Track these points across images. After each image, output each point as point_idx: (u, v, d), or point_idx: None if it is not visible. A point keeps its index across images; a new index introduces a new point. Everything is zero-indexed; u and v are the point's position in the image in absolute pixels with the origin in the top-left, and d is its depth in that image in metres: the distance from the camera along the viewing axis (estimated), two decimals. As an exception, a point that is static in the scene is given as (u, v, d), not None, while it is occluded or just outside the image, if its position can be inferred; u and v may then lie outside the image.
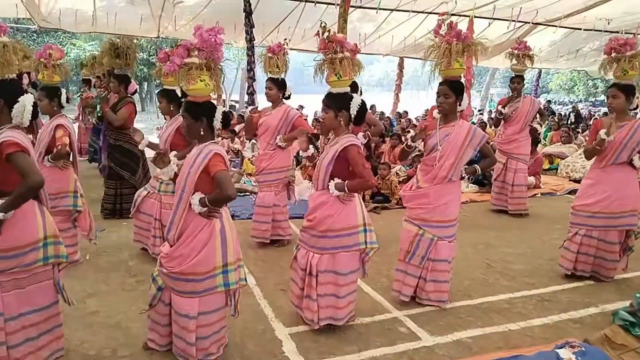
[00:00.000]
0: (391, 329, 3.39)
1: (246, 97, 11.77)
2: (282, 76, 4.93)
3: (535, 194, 8.05)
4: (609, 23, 10.04)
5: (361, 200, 3.31)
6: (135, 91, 6.22)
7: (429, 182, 3.65)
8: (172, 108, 4.60)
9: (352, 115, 3.19)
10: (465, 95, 3.63)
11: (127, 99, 5.77)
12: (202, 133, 2.76)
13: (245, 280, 2.96)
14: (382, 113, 15.21)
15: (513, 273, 4.47)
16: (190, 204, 2.71)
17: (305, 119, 5.86)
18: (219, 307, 2.86)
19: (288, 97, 5.03)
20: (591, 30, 10.72)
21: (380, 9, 9.95)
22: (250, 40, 9.66)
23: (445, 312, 3.66)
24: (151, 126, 18.79)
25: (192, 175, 2.71)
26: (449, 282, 3.75)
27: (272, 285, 4.09)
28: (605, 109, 24.05)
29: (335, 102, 3.20)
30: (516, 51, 6.42)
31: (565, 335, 3.33)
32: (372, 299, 3.90)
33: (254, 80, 11.58)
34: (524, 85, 6.54)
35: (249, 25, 9.60)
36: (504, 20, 10.34)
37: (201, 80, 2.69)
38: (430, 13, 10.69)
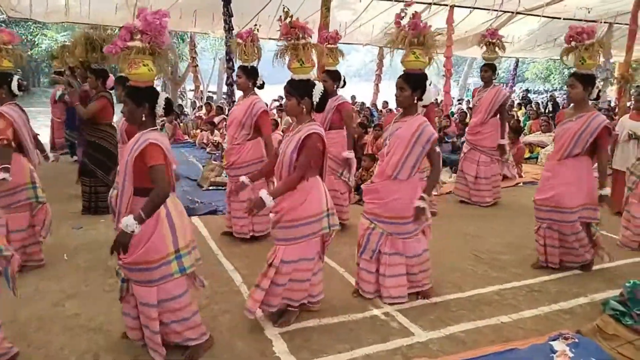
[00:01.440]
0: (383, 325, 3.33)
1: (225, 88, 11.59)
2: (254, 64, 4.77)
3: (517, 183, 8.11)
4: (589, 12, 10.11)
5: (324, 187, 3.26)
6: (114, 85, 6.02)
7: (379, 177, 3.57)
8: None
9: (315, 103, 3.13)
10: (429, 88, 3.46)
11: (101, 93, 5.56)
12: (143, 119, 2.71)
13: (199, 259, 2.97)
14: (363, 104, 15.14)
15: (501, 264, 4.46)
16: (135, 192, 2.69)
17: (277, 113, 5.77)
18: (181, 293, 2.80)
19: (261, 86, 4.88)
20: (572, 19, 10.78)
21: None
22: (229, 29, 9.47)
23: (436, 306, 3.62)
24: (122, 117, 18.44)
25: (129, 163, 2.66)
26: (423, 273, 3.66)
27: (259, 282, 3.99)
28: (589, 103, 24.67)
29: (298, 89, 3.13)
30: (487, 38, 6.29)
31: (557, 326, 3.32)
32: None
33: (233, 70, 11.35)
34: (494, 73, 6.34)
35: (228, 14, 9.40)
36: (484, 9, 10.32)
37: (144, 65, 2.64)
38: (412, 2, 10.62)
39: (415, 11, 3.48)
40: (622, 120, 6.20)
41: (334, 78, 5.13)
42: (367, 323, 3.36)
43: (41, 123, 13.63)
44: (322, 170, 3.31)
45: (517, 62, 20.80)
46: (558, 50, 15.19)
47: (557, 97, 22.72)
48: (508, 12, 10.68)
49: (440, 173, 3.46)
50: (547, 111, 16.53)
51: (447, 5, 10.49)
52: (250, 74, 4.72)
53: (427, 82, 5.56)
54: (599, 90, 4.05)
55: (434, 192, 5.92)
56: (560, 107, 18.06)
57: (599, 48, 3.87)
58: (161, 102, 2.73)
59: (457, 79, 28.18)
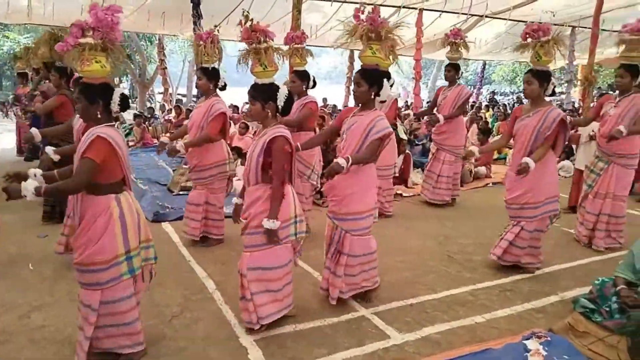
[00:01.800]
0: (359, 329, 3.32)
1: (195, 91, 11.44)
2: (215, 65, 4.68)
3: (487, 184, 8.24)
4: (554, 15, 10.37)
5: (293, 192, 3.21)
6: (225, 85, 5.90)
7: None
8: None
9: (280, 107, 3.11)
10: (386, 85, 3.40)
11: (60, 91, 5.37)
12: (99, 116, 2.68)
13: (155, 258, 2.98)
14: (335, 106, 15.17)
15: (474, 264, 4.51)
16: (87, 189, 2.65)
17: (233, 117, 5.66)
18: (125, 296, 2.76)
19: (223, 88, 4.80)
20: (537, 23, 11.03)
21: (333, 0, 9.84)
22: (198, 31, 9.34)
23: (412, 308, 3.63)
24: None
25: (77, 158, 2.63)
26: (366, 273, 3.59)
27: (233, 289, 3.90)
28: (545, 99, 25.08)
29: (262, 94, 3.10)
30: (450, 38, 6.27)
31: (530, 325, 3.36)
32: (337, 297, 3.80)
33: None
34: (457, 73, 6.34)
35: (197, 16, 9.30)
36: (453, 12, 10.47)
37: (96, 62, 2.61)
38: (382, 5, 10.69)
39: (375, 6, 3.45)
40: None
41: (303, 78, 5.08)
42: (342, 327, 3.34)
43: (3, 128, 13.20)
44: (291, 175, 3.26)
45: (484, 64, 21.19)
46: (524, 53, 15.65)
47: (523, 98, 23.20)
48: (476, 15, 10.87)
49: (370, 161, 3.41)
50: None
51: (416, 8, 10.62)
52: (211, 76, 4.64)
53: (387, 79, 5.64)
54: (554, 86, 4.12)
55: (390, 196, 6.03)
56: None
57: (554, 45, 3.92)
58: (116, 98, 2.69)
59: (426, 82, 28.54)
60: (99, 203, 2.65)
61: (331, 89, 22.68)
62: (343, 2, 10.41)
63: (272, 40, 3.23)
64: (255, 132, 10.08)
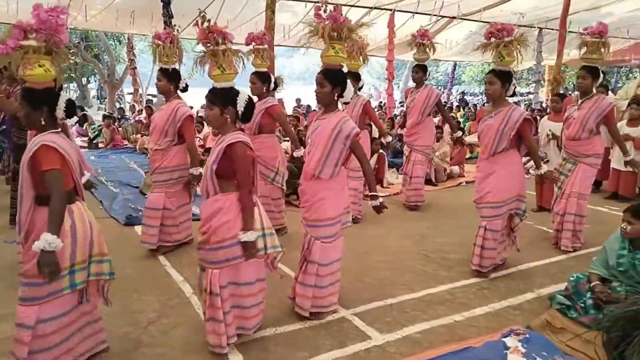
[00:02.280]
0: (340, 330, 3.30)
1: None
2: (175, 66, 4.51)
3: (460, 183, 8.35)
4: (523, 17, 10.58)
5: (257, 202, 3.05)
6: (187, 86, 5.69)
7: (304, 178, 3.43)
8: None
9: (240, 112, 2.96)
10: (350, 86, 3.32)
11: None
12: (42, 123, 2.57)
13: (111, 274, 2.84)
14: (309, 106, 15.15)
15: (450, 263, 4.54)
16: (36, 200, 2.57)
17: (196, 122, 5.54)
18: (66, 310, 2.67)
19: (185, 89, 4.63)
20: (507, 24, 11.24)
21: (306, 0, 9.81)
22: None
23: (391, 308, 3.62)
24: (61, 124, 17.56)
25: (24, 168, 2.52)
26: (332, 286, 3.43)
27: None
28: (513, 99, 25.57)
29: (220, 98, 2.95)
30: (418, 39, 6.15)
31: (508, 322, 3.40)
32: (316, 299, 3.77)
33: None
34: (425, 74, 6.21)
35: (167, 15, 9.13)
36: (424, 14, 10.57)
37: (40, 66, 2.50)
38: (353, 6, 10.72)
39: (336, 4, 3.36)
40: (542, 122, 6.48)
41: (263, 80, 4.97)
42: (323, 329, 3.31)
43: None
44: (255, 183, 3.09)
45: (454, 65, 21.52)
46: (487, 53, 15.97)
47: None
48: (447, 17, 11.01)
49: (371, 167, 3.36)
50: (484, 112, 17.14)
51: (388, 9, 10.68)
52: (172, 77, 4.47)
53: (357, 80, 5.59)
54: (515, 87, 4.12)
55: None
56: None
57: (517, 45, 3.88)
58: (61, 104, 2.59)
59: (398, 82, 28.78)
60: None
61: (305, 89, 22.54)
62: (315, 2, 10.40)
63: (231, 42, 3.08)
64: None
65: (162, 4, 9.10)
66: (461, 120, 14.05)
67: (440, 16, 10.91)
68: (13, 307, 3.51)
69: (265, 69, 5.06)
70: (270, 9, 7.38)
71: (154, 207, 4.54)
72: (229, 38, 3.04)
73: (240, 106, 2.95)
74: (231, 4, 10.33)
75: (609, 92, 7.85)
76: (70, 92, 36.29)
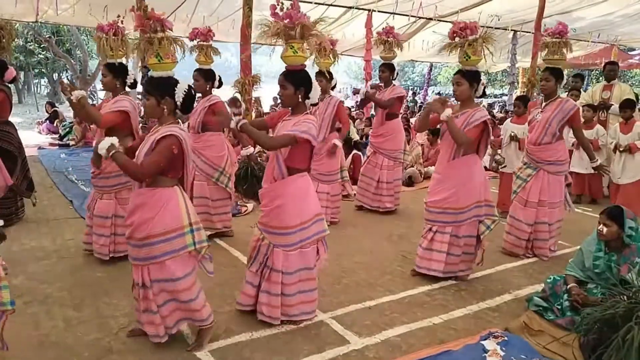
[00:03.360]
0: (318, 334, 3.23)
1: (140, 87, 11.01)
2: (122, 61, 4.24)
3: (437, 183, 8.38)
4: (499, 19, 10.70)
5: (185, 197, 2.92)
6: (15, 79, 5.45)
7: (266, 181, 3.31)
8: None
9: (178, 103, 2.83)
10: (316, 86, 3.24)
11: None
12: None
13: (13, 303, 2.58)
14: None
15: (429, 264, 4.52)
16: None
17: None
18: None
19: (133, 86, 4.43)
20: (482, 26, 11.35)
21: (282, -2, 9.74)
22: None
23: (371, 311, 3.58)
24: (30, 120, 17.07)
25: None
26: (304, 295, 3.30)
27: (185, 296, 3.75)
28: (487, 100, 25.69)
29: (157, 88, 2.83)
30: (384, 37, 6.01)
31: (486, 324, 3.39)
32: (294, 302, 3.70)
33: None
34: (392, 73, 6.01)
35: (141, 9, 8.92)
36: (402, 15, 10.59)
37: None
38: (332, 5, 10.67)
39: (294, 1, 3.20)
40: (505, 124, 6.48)
41: (207, 77, 4.80)
42: (301, 333, 3.24)
43: None
44: (182, 180, 2.97)
45: (431, 66, 21.67)
46: (452, 53, 16.14)
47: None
48: (424, 18, 11.05)
49: (265, 138, 3.15)
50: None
51: (367, 9, 10.67)
52: (118, 72, 4.19)
53: (329, 80, 5.49)
54: (485, 87, 4.02)
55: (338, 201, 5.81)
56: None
57: (482, 44, 3.78)
58: None
59: (377, 81, 28.93)
60: None
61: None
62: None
63: (170, 30, 2.95)
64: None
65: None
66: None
67: (417, 17, 10.95)
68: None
69: (209, 67, 4.88)
70: (248, 5, 7.27)
71: (103, 215, 4.21)
72: (167, 26, 2.91)
73: (179, 97, 2.82)
74: (208, 1, 10.17)
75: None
76: (41, 87, 35.44)
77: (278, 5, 3.10)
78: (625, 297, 2.80)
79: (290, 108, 3.28)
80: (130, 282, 3.90)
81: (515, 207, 4.73)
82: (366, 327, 3.33)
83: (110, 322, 3.32)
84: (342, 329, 3.29)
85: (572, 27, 11.82)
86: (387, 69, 6.02)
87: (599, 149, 6.68)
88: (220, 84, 4.95)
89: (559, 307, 3.36)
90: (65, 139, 11.65)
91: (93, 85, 19.57)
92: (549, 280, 3.56)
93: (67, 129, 11.85)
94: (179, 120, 2.96)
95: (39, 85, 35.51)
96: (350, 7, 10.84)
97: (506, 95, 19.13)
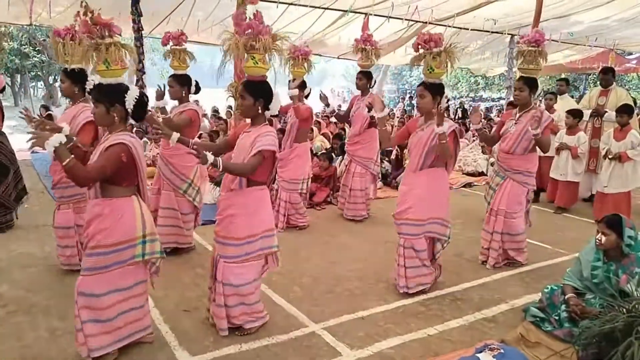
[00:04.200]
0: (309, 346, 3.14)
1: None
2: (81, 66, 3.96)
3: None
4: (495, 23, 10.64)
5: (142, 207, 2.85)
6: (4, 88, 5.36)
7: (223, 189, 3.27)
8: None
9: (129, 110, 2.76)
10: (277, 98, 3.16)
11: None
12: None
13: None
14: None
15: (424, 272, 4.43)
16: None
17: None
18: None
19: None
20: (479, 30, 11.30)
21: (278, 2, 9.65)
22: (138, 30, 8.90)
23: (364, 321, 3.49)
24: (25, 124, 16.94)
25: None
26: (246, 307, 3.19)
27: (174, 306, 3.66)
28: (485, 104, 25.67)
29: (106, 95, 2.75)
30: (361, 44, 5.81)
31: (482, 336, 3.31)
32: (285, 311, 3.61)
33: (144, 73, 10.68)
34: (369, 81, 5.91)
35: (136, 13, 8.84)
36: (398, 18, 10.52)
37: None
38: (327, 9, 10.60)
39: (257, 10, 3.13)
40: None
41: (182, 83, 4.60)
42: (291, 345, 3.16)
43: None
44: (139, 189, 2.90)
45: (428, 70, 21.57)
46: (466, 60, 16.02)
47: (465, 103, 23.95)
48: (420, 22, 10.97)
49: (241, 168, 3.03)
50: (456, 117, 17.31)
51: (363, 13, 10.60)
52: (76, 78, 4.04)
53: (301, 88, 5.45)
54: (448, 100, 3.91)
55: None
56: (468, 114, 19.05)
57: (446, 57, 3.65)
58: None
59: (372, 85, 28.93)
60: None
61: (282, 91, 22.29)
62: (290, 4, 10.26)
63: (119, 35, 2.84)
64: (200, 134, 9.71)
65: (130, 1, 8.81)
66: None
67: (413, 21, 10.88)
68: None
69: (184, 71, 4.68)
70: (243, 9, 7.19)
71: (64, 226, 4.06)
72: (114, 31, 2.80)
73: (130, 104, 2.75)
74: (203, 3, 10.07)
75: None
76: (37, 90, 35.30)
77: (242, 16, 3.04)
78: (624, 309, 2.71)
79: (250, 119, 3.21)
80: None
81: (488, 218, 4.59)
82: (359, 338, 3.24)
83: (96, 333, 3.22)
84: (333, 341, 3.20)
85: (570, 31, 11.90)
86: (365, 76, 5.93)
87: (577, 157, 6.57)
88: (198, 89, 4.74)
89: (557, 318, 3.28)
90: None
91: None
92: (546, 290, 3.48)
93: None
94: (133, 127, 2.88)
95: (35, 89, 35.38)
96: (346, 11, 10.77)
97: (503, 99, 19.09)
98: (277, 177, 5.67)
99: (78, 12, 2.77)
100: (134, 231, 2.79)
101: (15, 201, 5.30)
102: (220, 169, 2.89)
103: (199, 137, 9.19)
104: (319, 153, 7.84)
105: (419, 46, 3.73)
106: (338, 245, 5.15)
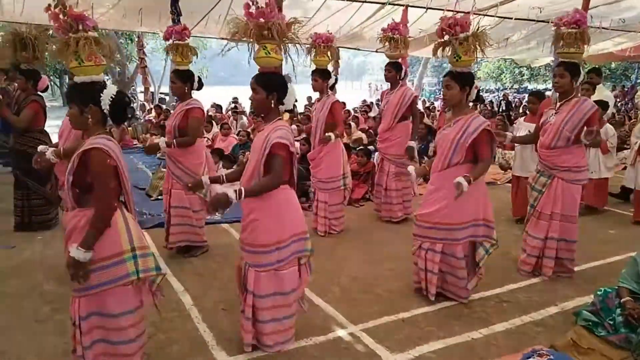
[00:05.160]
0: (348, 349, 3.07)
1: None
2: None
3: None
4: (540, 11, 10.22)
5: (127, 218, 2.57)
6: (47, 88, 5.51)
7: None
8: None
9: (106, 110, 2.50)
10: (292, 90, 2.96)
11: (31, 97, 5.06)
12: None
13: None
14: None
15: (467, 272, 4.28)
16: None
17: (216, 117, 5.22)
18: None
19: (45, 90, 4.14)
20: (523, 19, 10.88)
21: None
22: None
23: (404, 323, 3.39)
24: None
25: None
26: (278, 323, 2.99)
27: (212, 304, 3.65)
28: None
29: (79, 95, 2.51)
30: (389, 33, 5.47)
31: (530, 340, 3.15)
32: (323, 312, 3.55)
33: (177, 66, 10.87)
34: (399, 73, 5.56)
35: (176, 13, 8.95)
36: (438, 9, 10.25)
37: None
38: (365, 2, 10.46)
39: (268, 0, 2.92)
40: (518, 123, 6.03)
41: (184, 79, 4.42)
42: (329, 347, 3.09)
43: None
44: (124, 197, 2.64)
45: (470, 61, 21.05)
46: (510, 50, 15.54)
47: (509, 95, 23.27)
48: (461, 12, 10.66)
49: (270, 184, 2.82)
50: (500, 110, 16.79)
51: (401, 5, 10.39)
52: (30, 76, 3.97)
53: (325, 78, 5.21)
54: (478, 90, 3.60)
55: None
56: (513, 106, 18.46)
57: (475, 42, 3.36)
58: None
59: (413, 79, 28.47)
60: None
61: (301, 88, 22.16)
62: (326, -3, 10.19)
63: (94, 29, 2.59)
64: (239, 132, 9.78)
65: (170, 0, 8.92)
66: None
67: (455, 11, 10.58)
68: (8, 319, 3.38)
69: (187, 67, 4.51)
70: (278, 5, 7.15)
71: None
72: (88, 25, 2.57)
73: (105, 104, 2.48)
74: (241, 1, 10.13)
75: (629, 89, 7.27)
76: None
77: (253, 4, 2.88)
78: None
79: (262, 115, 3.02)
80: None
81: (530, 221, 4.22)
82: (399, 341, 3.15)
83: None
84: (372, 343, 3.12)
85: (621, 17, 11.29)
86: (393, 68, 5.58)
87: (607, 152, 6.06)
88: (201, 85, 4.59)
89: (612, 322, 3.08)
90: (104, 141, 11.87)
91: (133, 87, 19.99)
92: (599, 292, 3.28)
93: (106, 131, 12.07)
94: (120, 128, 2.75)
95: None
96: (384, 3, 10.59)
97: (549, 90, 18.42)
98: (312, 179, 5.49)
99: (49, 5, 2.57)
100: (119, 245, 2.48)
101: (59, 198, 5.44)
102: (243, 199, 2.68)
103: (237, 134, 9.30)
104: (357, 149, 7.75)
105: (443, 32, 3.44)
106: (377, 243, 5.05)
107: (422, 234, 3.62)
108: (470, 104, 3.62)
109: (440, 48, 3.52)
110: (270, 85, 2.88)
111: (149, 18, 9.85)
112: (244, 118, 12.28)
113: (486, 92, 30.53)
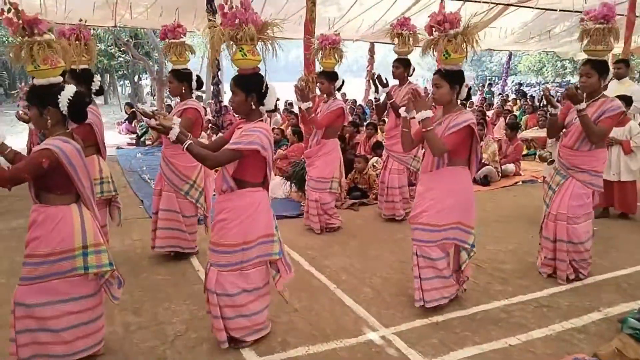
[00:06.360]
0: (379, 352, 2.99)
1: (212, 88, 11.22)
2: (86, 66, 3.91)
3: (517, 182, 7.82)
4: (585, 2, 9.80)
5: (84, 216, 2.69)
6: (101, 90, 5.56)
7: (217, 191, 3.04)
8: None
9: (64, 111, 2.57)
10: (272, 91, 2.90)
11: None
12: None
13: None
14: (355, 101, 14.82)
15: (505, 274, 4.13)
16: None
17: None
18: None
19: (98, 93, 4.15)
20: (568, 10, 10.46)
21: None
22: (213, 27, 9.09)
23: (438, 327, 3.28)
24: (113, 120, 18.01)
25: None
26: (245, 319, 2.98)
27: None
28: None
29: (37, 98, 2.58)
30: (398, 29, 5.36)
31: (571, 348, 3.00)
32: (355, 313, 3.48)
33: (219, 69, 10.98)
34: (407, 69, 5.45)
35: (211, 11, 9.02)
36: (477, 1, 9.99)
37: None
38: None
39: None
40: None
41: (180, 78, 4.32)
42: (360, 350, 3.02)
43: (23, 128, 13.20)
44: (81, 196, 2.71)
45: (510, 55, 20.50)
46: (552, 43, 15.02)
47: (551, 89, 22.52)
48: (501, 4, 10.37)
49: (207, 161, 2.79)
50: (541, 105, 16.26)
51: (438, -2, 10.19)
52: (81, 79, 3.97)
53: (332, 80, 5.07)
54: (469, 89, 3.43)
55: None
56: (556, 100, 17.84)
57: (463, 40, 3.21)
58: None
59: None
60: None
61: (355, 81, 21.95)
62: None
63: (48, 32, 2.60)
64: (273, 129, 9.79)
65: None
66: (517, 113, 13.36)
67: (494, 3, 10.28)
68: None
69: (184, 66, 4.40)
70: (311, 1, 7.08)
71: None
72: (40, 29, 2.57)
73: (63, 105, 2.55)
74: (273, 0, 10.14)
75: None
76: (125, 88, 37.55)
77: (226, 5, 2.80)
78: None
79: (244, 116, 2.95)
80: (189, 287, 3.89)
81: (546, 222, 4.03)
82: (432, 346, 3.05)
83: (167, 328, 3.27)
84: (405, 347, 3.03)
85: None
86: (401, 64, 5.45)
87: (630, 152, 5.59)
88: (200, 84, 4.52)
89: (661, 331, 2.90)
90: (142, 139, 12.12)
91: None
92: (647, 300, 3.09)
93: (144, 129, 12.31)
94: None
95: (123, 87, 37.66)
96: (422, -3, 10.42)
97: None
98: (306, 177, 5.42)
99: (2, 9, 2.56)
100: (71, 242, 2.61)
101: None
102: (185, 148, 2.68)
103: (272, 131, 9.32)
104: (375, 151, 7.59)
105: (432, 29, 3.30)
106: (410, 243, 4.92)
107: (417, 237, 3.45)
108: (473, 103, 3.47)
109: (429, 46, 3.38)
110: (249, 86, 2.85)
111: (185, 17, 9.97)
112: (278, 115, 12.30)
113: (527, 87, 29.69)
